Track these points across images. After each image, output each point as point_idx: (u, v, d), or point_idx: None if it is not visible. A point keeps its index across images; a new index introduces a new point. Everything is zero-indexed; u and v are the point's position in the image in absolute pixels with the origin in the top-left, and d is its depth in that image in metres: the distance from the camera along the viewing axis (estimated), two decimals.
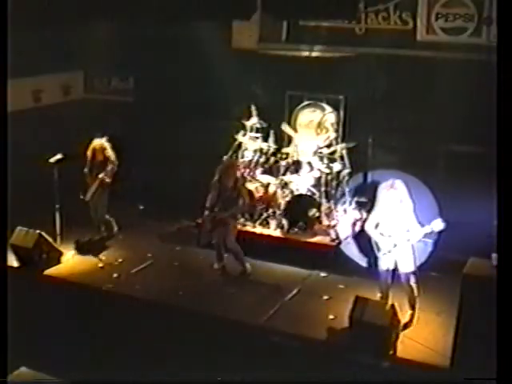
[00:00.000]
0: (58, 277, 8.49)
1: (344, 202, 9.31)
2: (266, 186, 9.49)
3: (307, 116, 9.91)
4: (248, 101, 9.94)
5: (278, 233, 9.27)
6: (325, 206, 9.19)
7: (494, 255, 5.68)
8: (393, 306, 6.82)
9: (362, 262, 8.61)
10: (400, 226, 7.05)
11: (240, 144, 9.86)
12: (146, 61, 11.14)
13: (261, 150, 9.79)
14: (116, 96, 12.13)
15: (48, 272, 8.56)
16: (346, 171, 9.44)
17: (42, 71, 10.98)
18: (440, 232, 7.08)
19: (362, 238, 8.48)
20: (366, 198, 8.90)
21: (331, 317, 7.52)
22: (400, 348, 6.79)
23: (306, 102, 9.95)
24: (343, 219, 9.10)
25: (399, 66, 9.72)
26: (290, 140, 10.01)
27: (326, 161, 9.42)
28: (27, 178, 8.97)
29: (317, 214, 9.14)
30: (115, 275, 8.55)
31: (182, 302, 7.89)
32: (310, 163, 9.38)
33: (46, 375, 5.50)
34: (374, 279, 7.53)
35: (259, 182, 9.53)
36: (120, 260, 9.04)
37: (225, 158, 9.39)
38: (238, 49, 10.69)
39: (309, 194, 9.22)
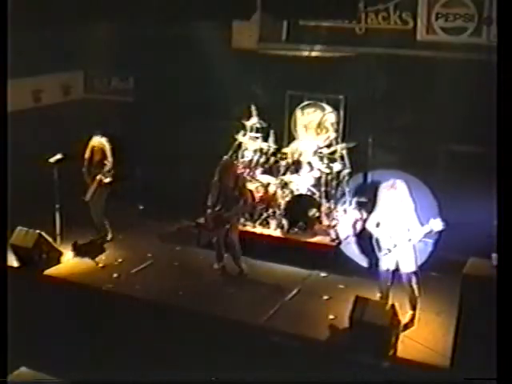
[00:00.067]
0: (58, 277, 8.48)
1: (344, 202, 9.32)
2: (266, 186, 9.48)
3: (307, 116, 9.91)
4: (248, 101, 9.94)
5: (278, 233, 9.27)
6: (325, 206, 9.19)
7: (494, 255, 5.68)
8: (393, 306, 6.82)
9: (362, 262, 8.61)
10: (401, 225, 7.06)
11: (240, 144, 9.86)
12: (145, 61, 11.12)
13: (261, 149, 9.78)
14: (116, 96, 12.12)
15: (48, 272, 8.56)
16: (346, 171, 9.44)
17: (42, 71, 10.98)
18: (440, 232, 7.08)
19: (362, 238, 8.49)
20: (366, 198, 8.90)
21: (331, 317, 7.52)
22: (400, 348, 6.78)
23: (306, 102, 9.96)
24: (343, 219, 9.10)
25: (399, 66, 9.71)
26: (290, 140, 10.01)
27: (326, 161, 9.42)
28: (27, 178, 8.97)
29: (317, 214, 9.14)
30: (115, 275, 8.55)
31: (182, 302, 7.89)
32: (310, 163, 9.38)
33: (45, 375, 5.53)
34: (374, 279, 7.53)
35: (259, 182, 9.52)
36: (120, 260, 9.04)
37: (224, 158, 9.38)
38: (238, 49, 10.68)
39: (309, 193, 9.22)
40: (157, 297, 7.97)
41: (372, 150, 9.51)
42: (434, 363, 6.58)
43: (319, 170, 9.30)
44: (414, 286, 7.25)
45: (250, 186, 9.31)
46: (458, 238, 7.60)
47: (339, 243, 8.92)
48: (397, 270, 7.27)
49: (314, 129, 9.83)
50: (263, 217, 9.42)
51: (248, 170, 9.64)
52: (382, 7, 10.07)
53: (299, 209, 9.17)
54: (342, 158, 9.51)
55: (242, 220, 9.16)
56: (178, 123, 10.97)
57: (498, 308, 4.90)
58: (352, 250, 8.87)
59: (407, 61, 9.67)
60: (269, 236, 9.25)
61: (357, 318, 6.74)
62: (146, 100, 11.53)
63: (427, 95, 9.51)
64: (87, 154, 9.20)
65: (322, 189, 9.24)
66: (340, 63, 9.92)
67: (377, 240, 7.23)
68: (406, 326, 7.19)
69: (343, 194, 9.39)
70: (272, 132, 9.83)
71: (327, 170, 9.29)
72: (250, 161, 9.73)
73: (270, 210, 9.40)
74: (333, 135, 9.73)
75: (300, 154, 9.48)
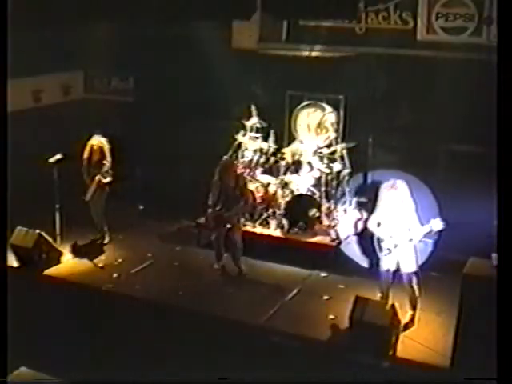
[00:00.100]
0: (58, 277, 8.48)
1: (344, 202, 9.32)
2: (266, 186, 9.48)
3: (307, 116, 9.91)
4: (248, 101, 9.94)
5: (278, 233, 9.26)
6: (325, 206, 9.19)
7: (494, 255, 5.68)
8: (393, 306, 6.82)
9: (363, 262, 8.61)
10: (401, 225, 7.05)
11: (240, 144, 9.86)
12: (145, 61, 11.13)
13: (261, 150, 9.78)
14: (116, 96, 12.13)
15: (48, 272, 8.56)
16: (346, 171, 9.44)
17: (42, 71, 10.98)
18: (440, 232, 7.08)
19: (362, 238, 8.49)
20: (366, 198, 8.91)
21: (331, 317, 7.52)
22: (400, 348, 6.78)
23: (306, 102, 9.95)
24: (343, 219, 9.11)
25: (399, 66, 9.71)
26: (290, 140, 10.01)
27: (326, 161, 9.41)
28: (27, 178, 8.97)
29: (317, 214, 9.13)
30: (115, 275, 8.55)
31: (182, 302, 7.89)
32: (310, 163, 9.37)
33: (45, 375, 5.51)
34: (374, 279, 7.53)
35: (259, 182, 9.52)
36: (120, 260, 9.04)
37: (224, 158, 9.38)
38: (238, 49, 10.68)
39: (309, 194, 9.22)
40: (157, 297, 7.97)
41: (372, 149, 9.51)
42: (434, 363, 6.57)
43: (319, 169, 9.30)
44: (415, 286, 7.24)
45: (250, 185, 9.31)
46: (458, 238, 7.60)
47: (339, 243, 8.92)
48: (397, 270, 7.27)
49: (314, 129, 9.82)
50: (263, 217, 9.42)
51: (248, 170, 9.64)
52: (382, 7, 10.07)
53: (299, 209, 9.17)
54: (342, 157, 9.50)
55: (242, 220, 9.17)
56: (178, 123, 10.97)
57: (498, 308, 4.90)
58: (352, 250, 8.87)
59: (407, 61, 9.67)
60: (269, 236, 9.24)
61: (357, 318, 6.73)
62: (146, 100, 11.53)
63: (427, 95, 9.52)
64: (86, 154, 9.17)
65: (322, 189, 9.23)
66: (340, 63, 9.92)
67: (378, 240, 7.23)
68: (406, 326, 7.19)
69: (343, 194, 9.39)
70: (272, 132, 9.83)
71: (327, 170, 9.29)
72: (250, 161, 9.73)
73: (270, 210, 9.40)
74: (333, 135, 9.71)
75: (300, 154, 9.48)
